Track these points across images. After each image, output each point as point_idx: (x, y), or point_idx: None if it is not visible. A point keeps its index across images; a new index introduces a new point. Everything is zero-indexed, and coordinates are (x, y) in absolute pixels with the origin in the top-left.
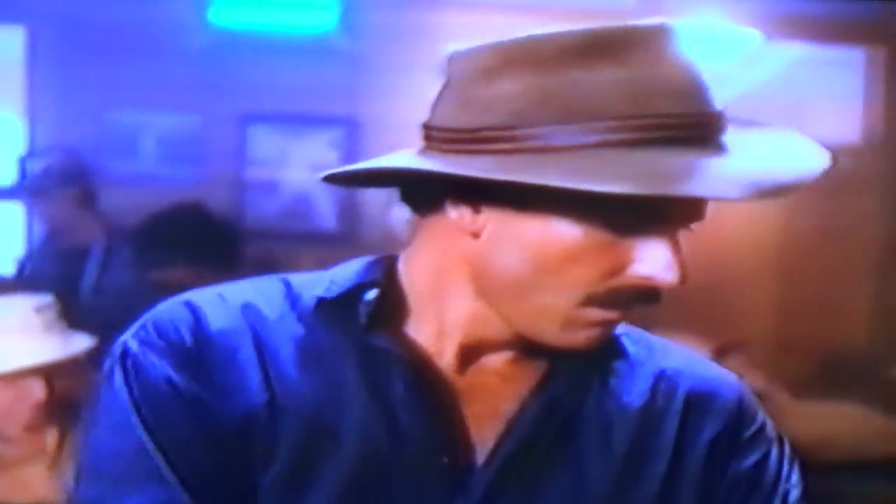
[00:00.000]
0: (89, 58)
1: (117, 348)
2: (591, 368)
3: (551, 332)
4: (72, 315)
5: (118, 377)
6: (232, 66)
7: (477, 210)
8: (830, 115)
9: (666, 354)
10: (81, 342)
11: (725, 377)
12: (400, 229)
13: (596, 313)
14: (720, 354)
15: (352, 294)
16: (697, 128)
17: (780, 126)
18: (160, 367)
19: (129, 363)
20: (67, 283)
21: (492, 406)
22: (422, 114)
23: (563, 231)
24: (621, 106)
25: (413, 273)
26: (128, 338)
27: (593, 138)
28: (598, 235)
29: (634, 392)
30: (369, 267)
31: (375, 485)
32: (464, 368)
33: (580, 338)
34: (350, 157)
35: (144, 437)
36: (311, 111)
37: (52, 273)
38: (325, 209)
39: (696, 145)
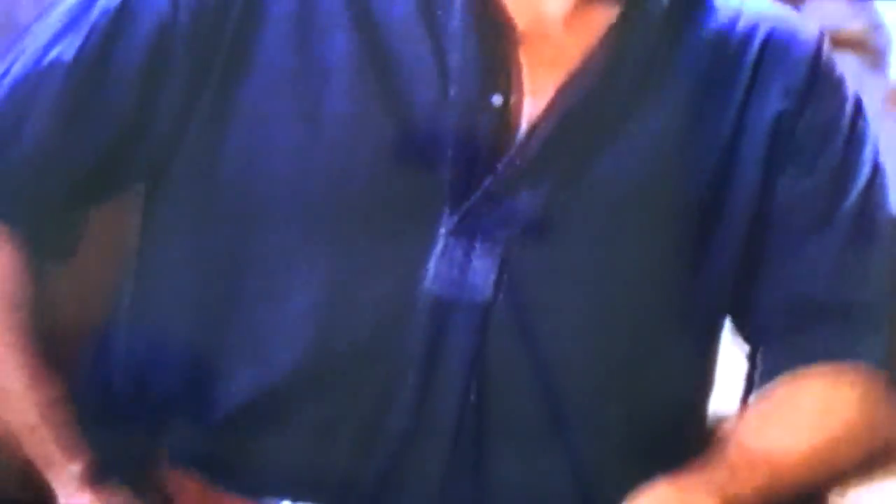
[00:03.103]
0: None
1: None
2: (665, 11)
3: None
4: None
5: None
6: None
7: None
8: None
9: None
10: None
11: (806, 26)
12: None
13: None
14: None
15: None
16: None
17: None
18: None
19: None
20: None
21: (554, 55)
22: None
23: None
24: None
25: None
26: None
27: None
28: None
29: (710, 37)
30: None
31: (421, 121)
32: (524, 11)
33: None
34: None
35: None
36: None
37: None
38: None
39: None
